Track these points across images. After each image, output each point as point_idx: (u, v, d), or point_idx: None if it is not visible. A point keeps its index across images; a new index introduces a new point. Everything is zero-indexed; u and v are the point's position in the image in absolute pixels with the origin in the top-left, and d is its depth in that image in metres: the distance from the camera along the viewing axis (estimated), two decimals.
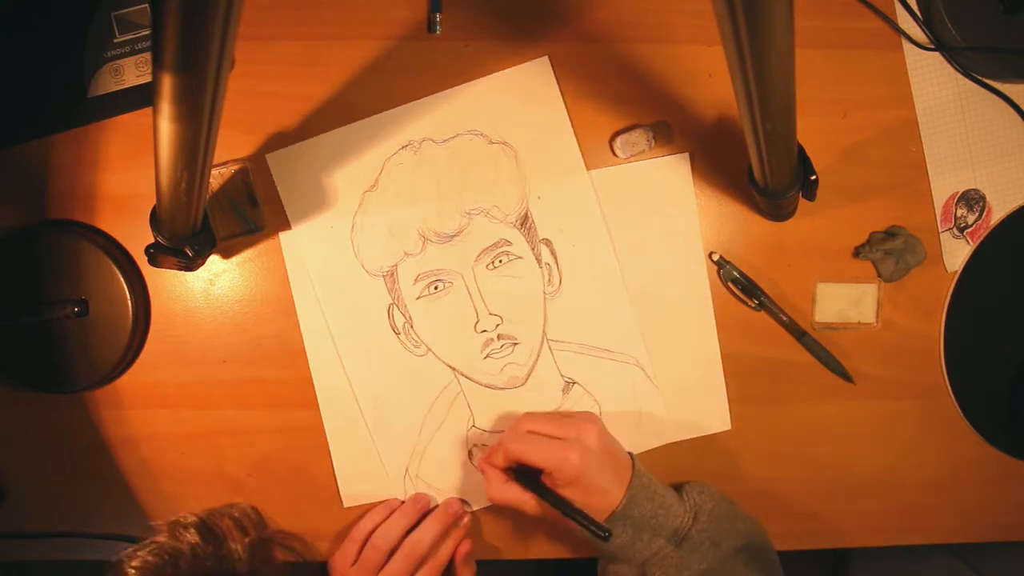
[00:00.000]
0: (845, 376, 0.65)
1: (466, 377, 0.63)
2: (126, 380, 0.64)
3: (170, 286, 0.63)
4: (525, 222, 0.63)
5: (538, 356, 0.63)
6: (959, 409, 0.66)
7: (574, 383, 0.64)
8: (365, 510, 0.64)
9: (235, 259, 0.63)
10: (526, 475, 0.57)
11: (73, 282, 0.61)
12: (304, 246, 0.62)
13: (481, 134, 0.62)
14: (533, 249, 0.63)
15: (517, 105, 0.62)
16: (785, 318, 0.64)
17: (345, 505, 0.65)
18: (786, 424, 0.66)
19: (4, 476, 0.65)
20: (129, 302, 0.61)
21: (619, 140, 0.61)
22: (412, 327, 0.63)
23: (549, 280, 0.63)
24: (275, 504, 0.65)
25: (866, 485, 0.67)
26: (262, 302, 0.63)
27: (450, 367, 0.63)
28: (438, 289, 0.63)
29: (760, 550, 0.58)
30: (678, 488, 0.59)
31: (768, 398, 0.65)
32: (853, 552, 0.78)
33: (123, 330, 0.61)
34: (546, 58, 0.62)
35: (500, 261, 0.62)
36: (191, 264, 0.57)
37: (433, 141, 0.62)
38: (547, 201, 0.63)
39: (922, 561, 0.74)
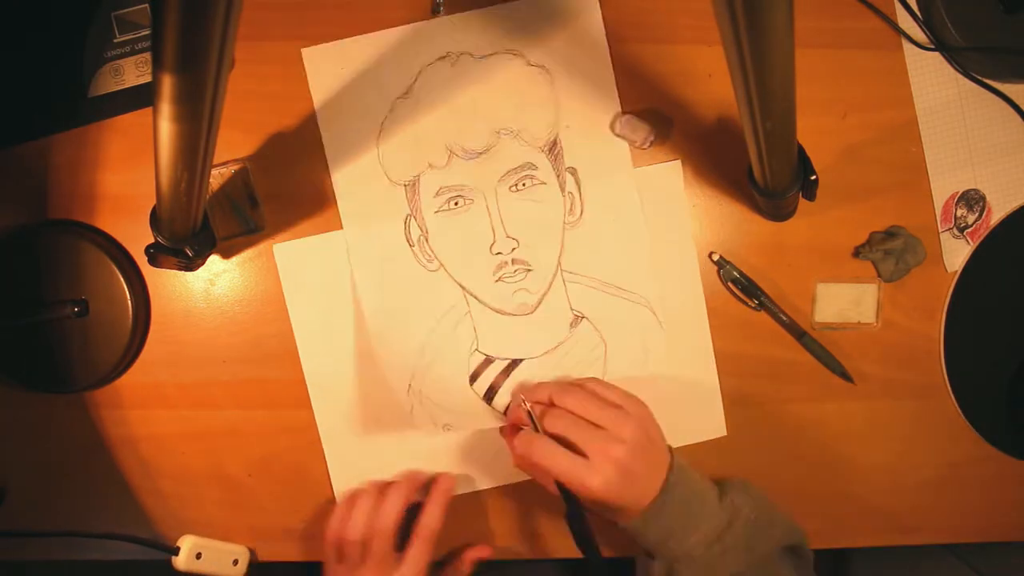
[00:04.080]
0: (845, 376, 0.65)
1: (475, 298, 0.63)
2: (126, 380, 0.64)
3: (170, 286, 0.63)
4: (553, 148, 0.62)
5: (550, 285, 0.63)
6: (959, 409, 0.66)
7: (583, 318, 0.63)
8: None
9: (235, 259, 0.63)
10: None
11: (73, 282, 0.61)
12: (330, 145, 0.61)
13: (520, 55, 0.61)
14: (558, 176, 0.62)
15: (560, 30, 0.61)
16: (785, 318, 0.64)
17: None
18: (786, 424, 0.66)
19: (4, 476, 0.65)
20: (129, 302, 0.61)
21: (624, 119, 0.61)
22: (428, 240, 0.62)
23: (571, 209, 0.63)
24: (275, 504, 0.65)
25: (866, 485, 0.67)
26: (262, 302, 0.63)
27: (460, 286, 0.63)
28: (458, 205, 0.62)
29: (794, 552, 0.58)
30: (720, 484, 0.58)
31: (768, 398, 0.65)
32: (853, 552, 0.78)
33: (123, 330, 0.61)
34: None
35: (524, 184, 0.62)
36: (191, 264, 0.57)
37: (471, 56, 0.61)
38: (576, 131, 0.62)
39: (922, 561, 0.74)
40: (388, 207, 0.62)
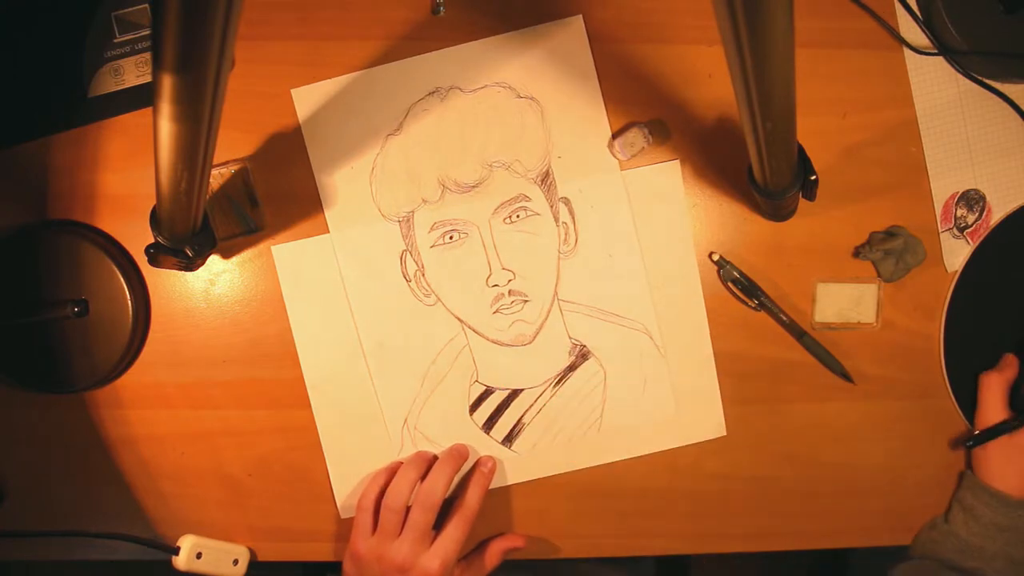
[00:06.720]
0: (845, 376, 0.65)
1: (473, 331, 0.63)
2: (126, 380, 0.64)
3: (170, 286, 0.63)
4: (546, 179, 0.62)
5: (547, 315, 0.63)
6: (959, 409, 0.66)
7: (582, 346, 0.64)
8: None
9: (235, 259, 0.63)
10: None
11: (73, 282, 0.61)
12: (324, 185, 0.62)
13: (509, 87, 0.62)
14: (552, 207, 0.63)
15: (548, 61, 0.61)
16: (785, 318, 0.64)
17: (339, 504, 0.65)
18: (786, 424, 0.66)
19: (4, 476, 0.65)
20: (129, 302, 0.61)
21: (617, 143, 0.61)
22: (424, 275, 0.63)
23: (565, 239, 0.63)
24: (275, 504, 0.65)
25: (866, 485, 0.67)
26: (262, 302, 0.63)
27: (458, 319, 0.63)
28: (453, 239, 0.62)
29: None
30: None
31: (768, 398, 0.65)
32: (853, 552, 0.78)
33: (123, 330, 0.61)
34: (579, 17, 0.61)
35: (518, 216, 0.62)
36: (191, 264, 0.57)
37: (460, 90, 0.62)
38: (568, 161, 0.62)
39: None
40: (383, 243, 0.62)
